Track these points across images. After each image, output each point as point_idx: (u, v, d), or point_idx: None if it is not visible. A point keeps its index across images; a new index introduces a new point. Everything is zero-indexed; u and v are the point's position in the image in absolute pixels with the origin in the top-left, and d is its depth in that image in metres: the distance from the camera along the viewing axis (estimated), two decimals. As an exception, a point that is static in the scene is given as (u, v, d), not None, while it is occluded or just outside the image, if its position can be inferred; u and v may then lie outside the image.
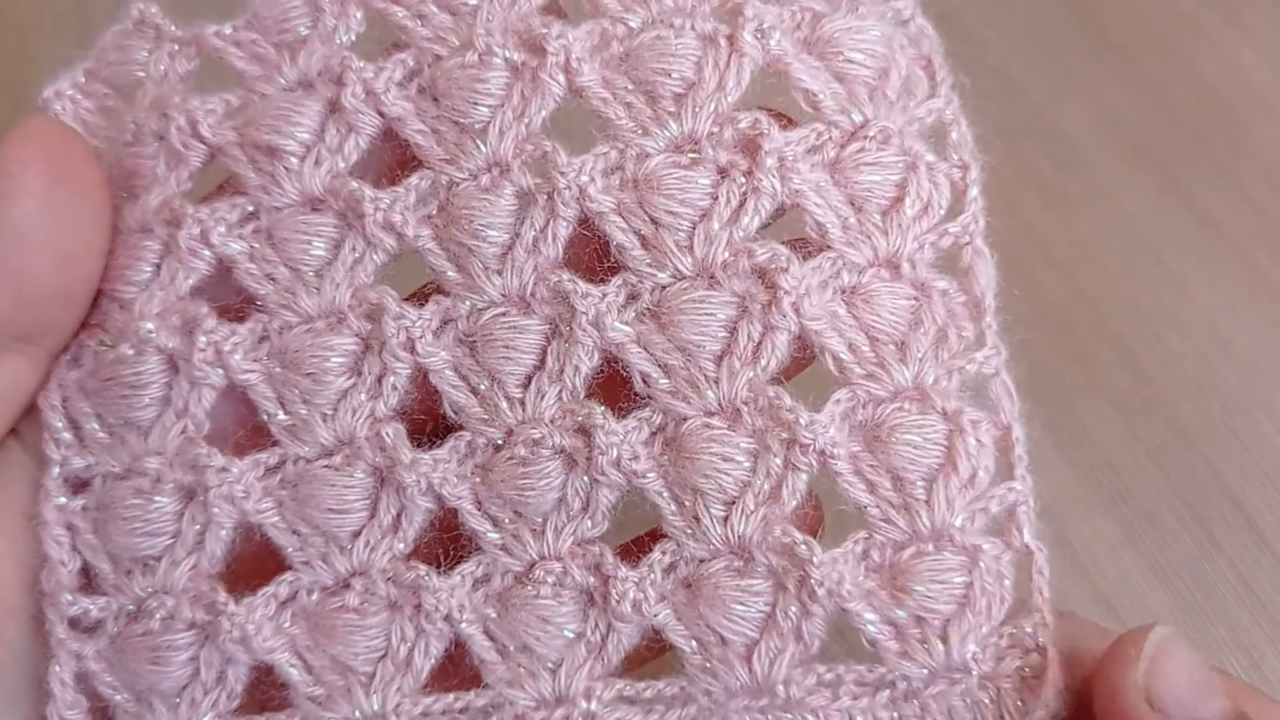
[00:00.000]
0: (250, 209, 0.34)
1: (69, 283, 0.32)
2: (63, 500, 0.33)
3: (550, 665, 0.32)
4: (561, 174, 0.32)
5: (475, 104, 0.33)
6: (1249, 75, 0.60)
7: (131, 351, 0.33)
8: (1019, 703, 0.31)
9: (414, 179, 0.33)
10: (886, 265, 0.33)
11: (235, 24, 0.35)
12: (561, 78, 0.33)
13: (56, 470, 0.33)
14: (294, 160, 0.33)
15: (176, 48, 0.35)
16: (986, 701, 0.31)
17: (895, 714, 0.31)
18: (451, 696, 0.32)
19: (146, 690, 0.32)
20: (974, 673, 0.31)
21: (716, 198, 0.32)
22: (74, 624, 0.32)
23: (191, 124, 0.33)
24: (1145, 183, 0.57)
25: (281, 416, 0.33)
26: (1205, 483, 0.50)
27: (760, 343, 0.32)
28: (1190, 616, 0.48)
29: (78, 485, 0.33)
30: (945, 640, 0.31)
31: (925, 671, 0.31)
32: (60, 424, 0.33)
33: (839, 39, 0.34)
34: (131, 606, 0.32)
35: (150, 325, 0.32)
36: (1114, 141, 0.58)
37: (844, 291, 0.33)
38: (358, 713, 0.31)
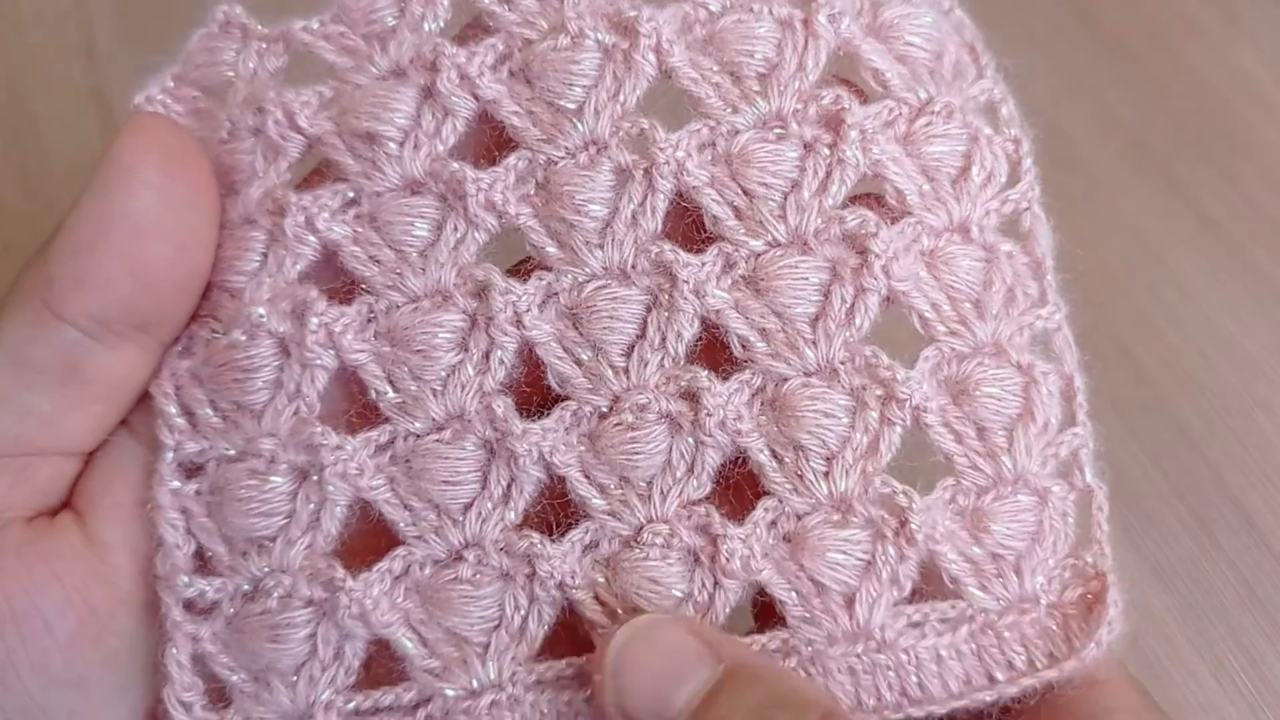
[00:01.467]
0: (351, 195, 0.34)
1: (184, 273, 0.33)
2: (177, 484, 0.33)
3: None
4: (660, 150, 0.33)
5: (570, 85, 0.34)
6: (1249, 76, 0.60)
7: (244, 337, 0.33)
8: (1083, 625, 0.33)
9: (511, 159, 0.34)
10: (959, 230, 0.35)
11: (321, 19, 0.35)
12: (653, 58, 0.34)
13: (170, 455, 0.33)
14: (393, 145, 0.34)
15: (264, 45, 0.35)
16: (1054, 627, 0.34)
17: (974, 645, 0.33)
18: (564, 662, 0.33)
19: (264, 669, 0.32)
20: (1042, 602, 0.34)
21: (805, 169, 0.34)
22: (189, 606, 0.33)
23: (289, 116, 0.34)
24: (1145, 183, 0.57)
25: (391, 394, 0.33)
26: (1205, 483, 0.50)
27: (853, 305, 0.33)
28: (1190, 616, 0.48)
29: (191, 470, 0.34)
30: (1019, 573, 0.34)
31: (1000, 604, 0.33)
32: (174, 409, 0.33)
33: (898, 24, 0.36)
34: (248, 587, 0.33)
35: (261, 310, 0.33)
36: (1114, 141, 0.58)
37: (924, 254, 0.35)
38: (474, 682, 0.32)
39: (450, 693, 0.32)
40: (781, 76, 0.34)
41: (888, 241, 0.33)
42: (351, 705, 0.32)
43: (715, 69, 0.34)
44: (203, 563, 0.33)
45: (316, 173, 0.35)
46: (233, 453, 0.33)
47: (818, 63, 0.34)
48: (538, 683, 0.32)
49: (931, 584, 0.34)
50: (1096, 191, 0.57)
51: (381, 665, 0.33)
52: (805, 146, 0.34)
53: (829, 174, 0.34)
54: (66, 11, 0.67)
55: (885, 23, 0.36)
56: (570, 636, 0.33)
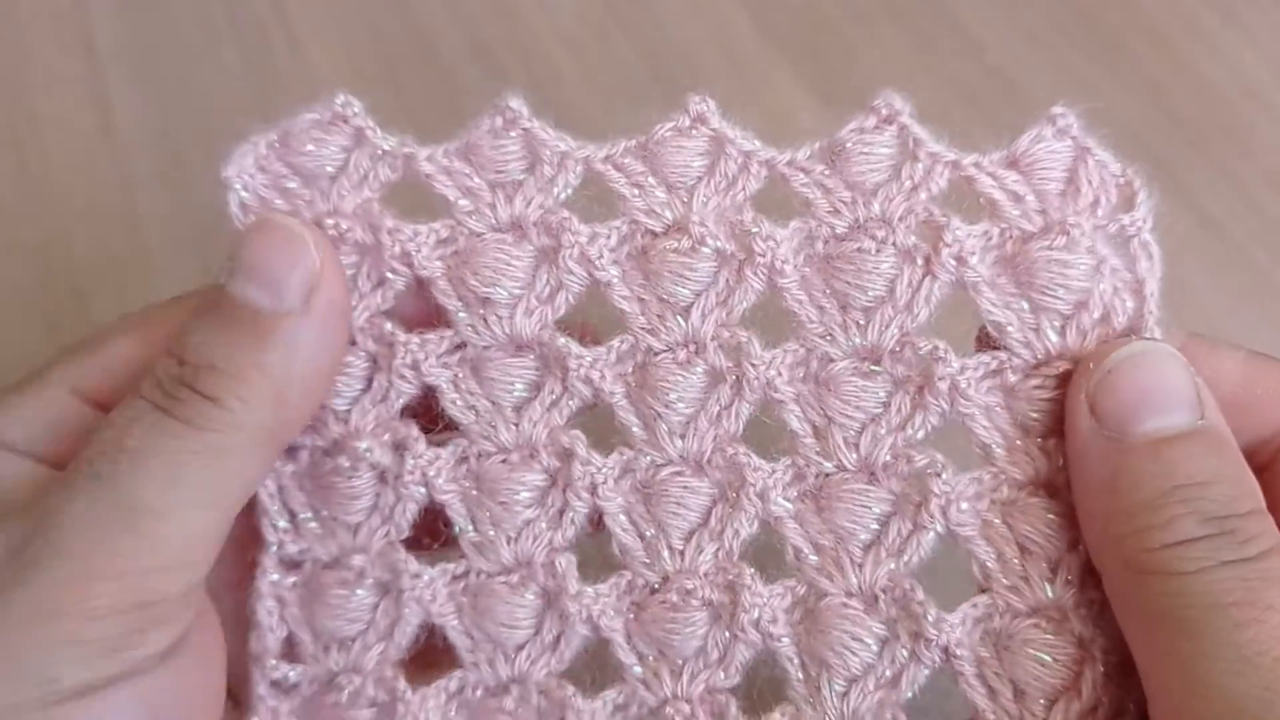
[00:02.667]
0: (457, 341, 0.36)
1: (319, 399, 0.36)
2: (275, 577, 0.36)
3: None
4: (753, 365, 0.35)
5: (682, 286, 0.35)
6: (1249, 75, 0.60)
7: (348, 464, 0.36)
8: None
9: (616, 340, 0.36)
10: (1046, 486, 0.34)
11: (447, 149, 0.36)
12: (765, 275, 0.35)
13: (274, 549, 0.36)
14: (504, 310, 0.36)
15: (381, 154, 0.36)
16: None
17: None
18: None
19: None
20: None
21: (889, 406, 0.35)
22: (275, 685, 0.36)
23: (405, 253, 0.36)
24: (1145, 182, 0.57)
25: (472, 534, 0.36)
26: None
27: (908, 539, 0.34)
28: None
29: (290, 565, 0.36)
30: None
31: None
32: (276, 510, 0.36)
33: (1040, 270, 0.34)
34: (324, 677, 0.36)
35: (367, 444, 0.35)
36: (1114, 141, 0.58)
37: (1003, 504, 0.34)
38: None
39: None
40: (887, 314, 0.35)
41: (950, 484, 0.34)
42: None
43: (825, 292, 0.35)
44: (290, 648, 0.36)
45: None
46: (326, 559, 0.36)
47: (929, 302, 0.34)
48: None
49: None
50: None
51: None
52: (895, 384, 0.35)
53: (910, 416, 0.35)
54: (66, 11, 0.68)
55: (1026, 262, 0.34)
56: None
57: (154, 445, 0.31)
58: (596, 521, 0.36)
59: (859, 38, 0.64)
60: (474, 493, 0.36)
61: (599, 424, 0.37)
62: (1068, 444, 0.33)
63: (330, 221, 0.36)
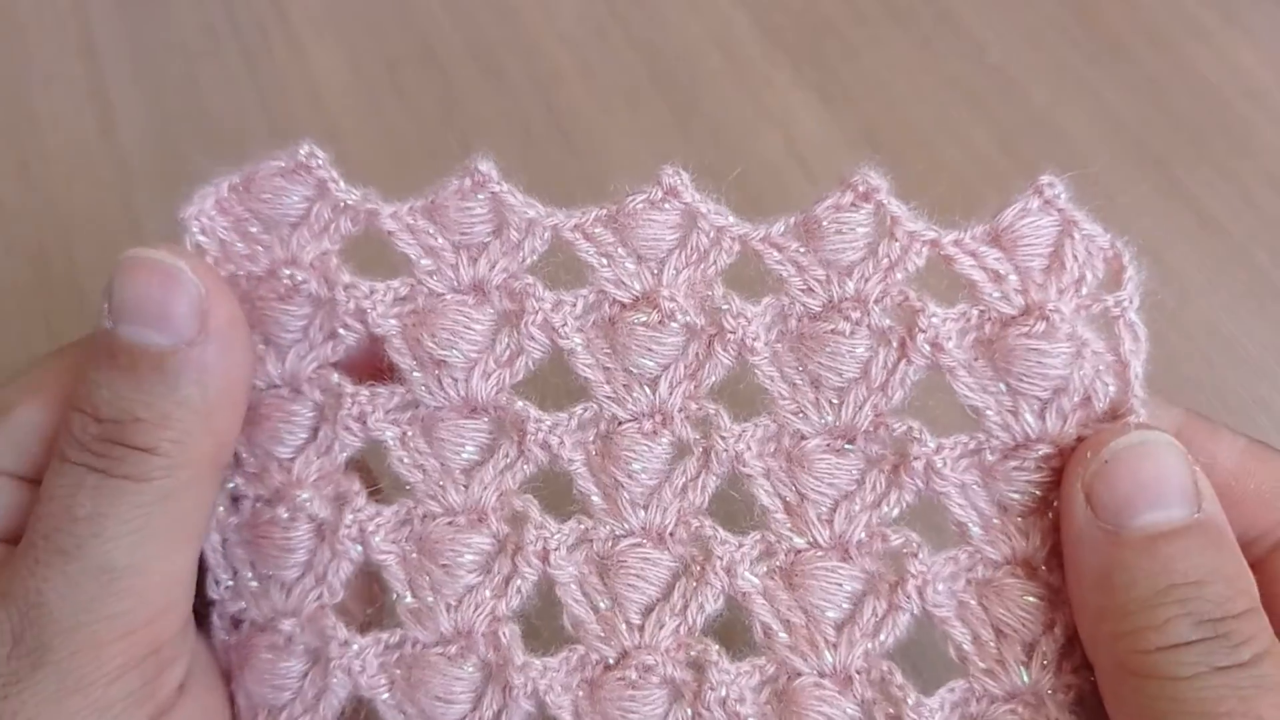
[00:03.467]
0: (409, 398, 0.35)
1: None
2: (224, 636, 0.36)
3: None
4: (722, 437, 0.34)
5: (650, 359, 0.35)
6: (1249, 75, 0.60)
7: (286, 515, 0.35)
8: None
9: (578, 408, 0.35)
10: (1023, 565, 0.34)
11: (412, 208, 0.35)
12: (735, 351, 0.35)
13: (218, 610, 0.36)
14: (460, 373, 0.35)
15: (343, 206, 0.35)
16: None
17: None
18: None
19: None
20: None
21: (863, 484, 0.34)
22: None
23: (359, 310, 0.35)
24: (1145, 183, 0.57)
25: (409, 600, 0.35)
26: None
27: (883, 619, 0.33)
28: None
29: (234, 622, 0.36)
30: None
31: None
32: (220, 566, 0.35)
33: (1017, 358, 0.33)
34: None
35: (306, 495, 0.35)
36: (1114, 142, 0.58)
37: (978, 584, 0.34)
38: None
39: None
40: (860, 394, 0.34)
41: (927, 564, 0.33)
42: None
43: (798, 369, 0.35)
44: (237, 703, 0.35)
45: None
46: (260, 621, 0.35)
47: (904, 385, 0.34)
48: None
49: None
50: (1095, 191, 0.57)
51: None
52: (869, 462, 0.35)
53: (885, 494, 0.34)
54: (65, 11, 0.68)
55: (1005, 348, 0.33)
56: None
57: (106, 508, 0.31)
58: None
59: (859, 38, 0.64)
60: (414, 556, 0.35)
61: (551, 492, 0.36)
62: (1063, 531, 0.32)
63: (286, 272, 0.35)
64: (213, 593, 0.35)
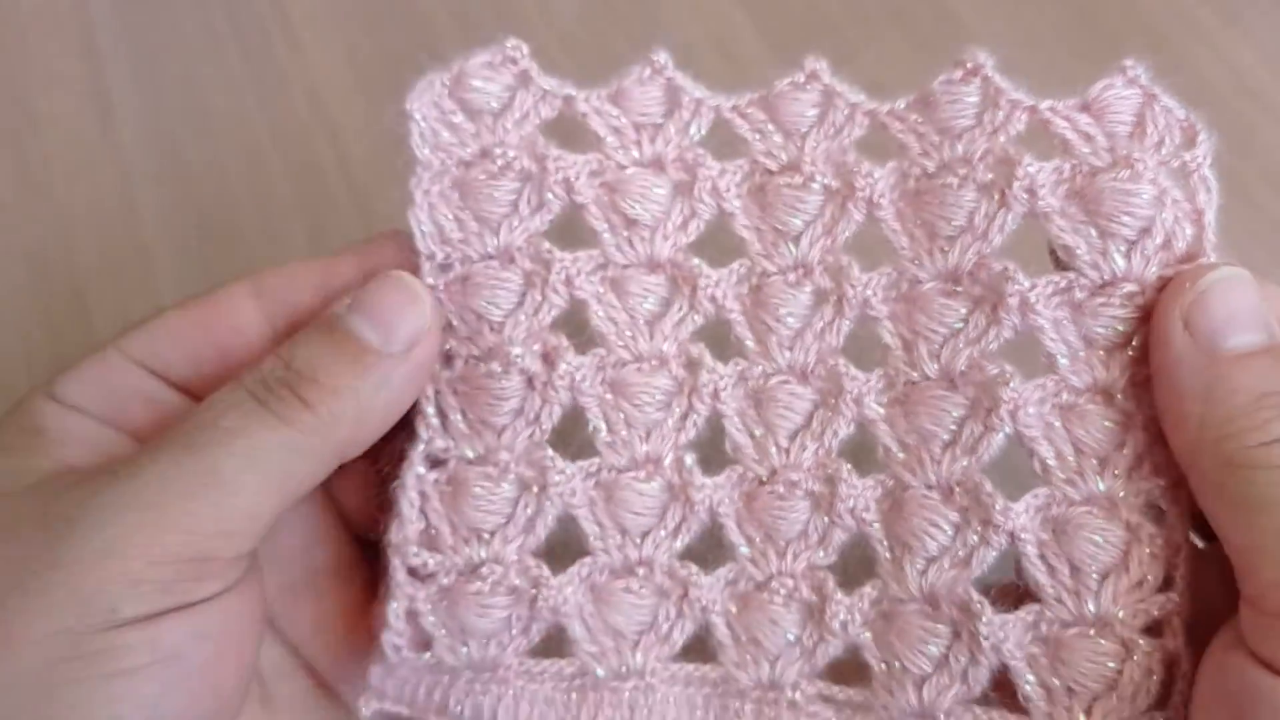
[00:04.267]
0: (602, 260, 0.41)
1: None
2: (421, 471, 0.40)
3: (771, 658, 0.39)
4: (852, 286, 0.40)
5: (793, 217, 0.40)
6: (1249, 76, 0.60)
7: (499, 368, 0.40)
8: None
9: (736, 264, 0.41)
10: (1102, 393, 0.38)
11: (600, 94, 0.41)
12: (864, 208, 0.40)
13: (422, 446, 0.40)
14: (647, 232, 0.41)
15: (542, 93, 0.41)
16: None
17: None
18: (693, 666, 0.39)
19: (463, 631, 0.39)
20: None
21: (968, 323, 0.39)
22: (413, 572, 0.39)
23: (566, 180, 0.40)
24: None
25: (605, 434, 0.40)
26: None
27: (980, 439, 0.38)
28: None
29: (435, 462, 0.40)
30: (1089, 714, 0.36)
31: None
32: (432, 410, 0.40)
33: (1107, 199, 0.37)
34: (463, 566, 0.39)
35: (518, 350, 0.40)
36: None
37: (1063, 409, 0.38)
38: (624, 668, 0.39)
39: (601, 672, 0.39)
40: (966, 240, 0.39)
41: (1018, 391, 0.38)
42: (524, 667, 0.39)
43: (916, 222, 0.40)
44: (427, 539, 0.40)
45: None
46: (472, 456, 0.40)
47: (1003, 230, 0.38)
48: (671, 677, 0.39)
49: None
50: None
51: (555, 642, 0.40)
52: (974, 302, 0.39)
53: (986, 330, 0.39)
54: (66, 11, 0.68)
55: (1094, 192, 0.38)
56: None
57: (244, 428, 0.35)
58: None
59: (859, 38, 0.64)
60: (609, 397, 0.40)
61: (710, 341, 0.41)
62: (1158, 355, 0.36)
63: (498, 150, 0.40)
64: (422, 432, 0.40)
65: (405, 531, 0.39)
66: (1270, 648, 0.32)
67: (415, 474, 0.40)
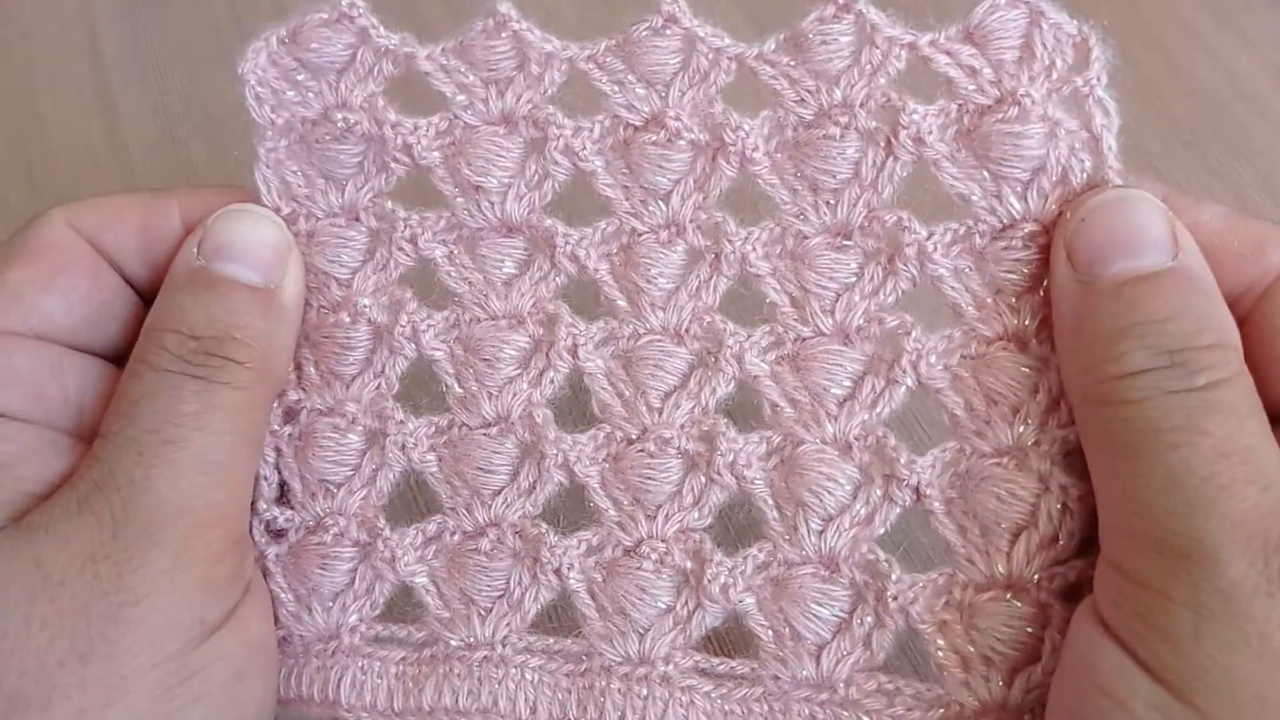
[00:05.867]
0: (454, 220, 0.39)
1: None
2: (276, 427, 0.39)
3: (640, 629, 0.36)
4: (729, 241, 0.38)
5: (661, 175, 0.38)
6: (1244, 79, 0.60)
7: (348, 319, 0.39)
8: None
9: (602, 223, 0.39)
10: (1015, 339, 0.36)
11: (444, 48, 0.39)
12: (737, 162, 0.38)
13: (276, 401, 0.39)
14: (496, 196, 0.39)
15: (384, 50, 0.39)
16: None
17: None
18: (551, 639, 0.37)
19: (309, 592, 0.38)
20: (1023, 715, 0.34)
21: (861, 276, 0.37)
22: (268, 528, 0.39)
23: (406, 145, 0.39)
24: (1141, 186, 0.57)
25: (456, 389, 0.39)
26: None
27: (881, 394, 0.36)
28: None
29: (289, 414, 0.40)
30: (1008, 683, 0.34)
31: (979, 704, 0.34)
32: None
33: (995, 142, 0.36)
34: (311, 522, 0.39)
35: (366, 301, 0.39)
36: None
37: (972, 359, 0.36)
38: (473, 637, 0.37)
39: (452, 641, 0.37)
40: (853, 192, 0.37)
41: (921, 342, 0.36)
42: (372, 632, 0.38)
43: (796, 175, 0.38)
44: (282, 496, 0.39)
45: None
46: (323, 407, 0.39)
47: (892, 180, 0.37)
48: (525, 649, 0.37)
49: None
50: None
51: (402, 609, 0.39)
52: (866, 256, 0.37)
53: (883, 283, 0.37)
54: (71, 14, 0.68)
55: (983, 135, 0.36)
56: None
57: (211, 407, 0.35)
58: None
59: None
60: (461, 353, 0.39)
61: (580, 302, 0.39)
62: (1051, 293, 0.34)
63: (339, 115, 0.39)
64: None
65: (262, 490, 0.39)
66: (1117, 611, 0.30)
67: (269, 430, 0.39)
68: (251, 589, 0.36)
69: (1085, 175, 0.35)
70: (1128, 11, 0.63)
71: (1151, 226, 0.33)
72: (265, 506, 0.39)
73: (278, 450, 0.39)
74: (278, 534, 0.39)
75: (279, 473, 0.39)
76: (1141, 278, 0.32)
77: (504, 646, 0.37)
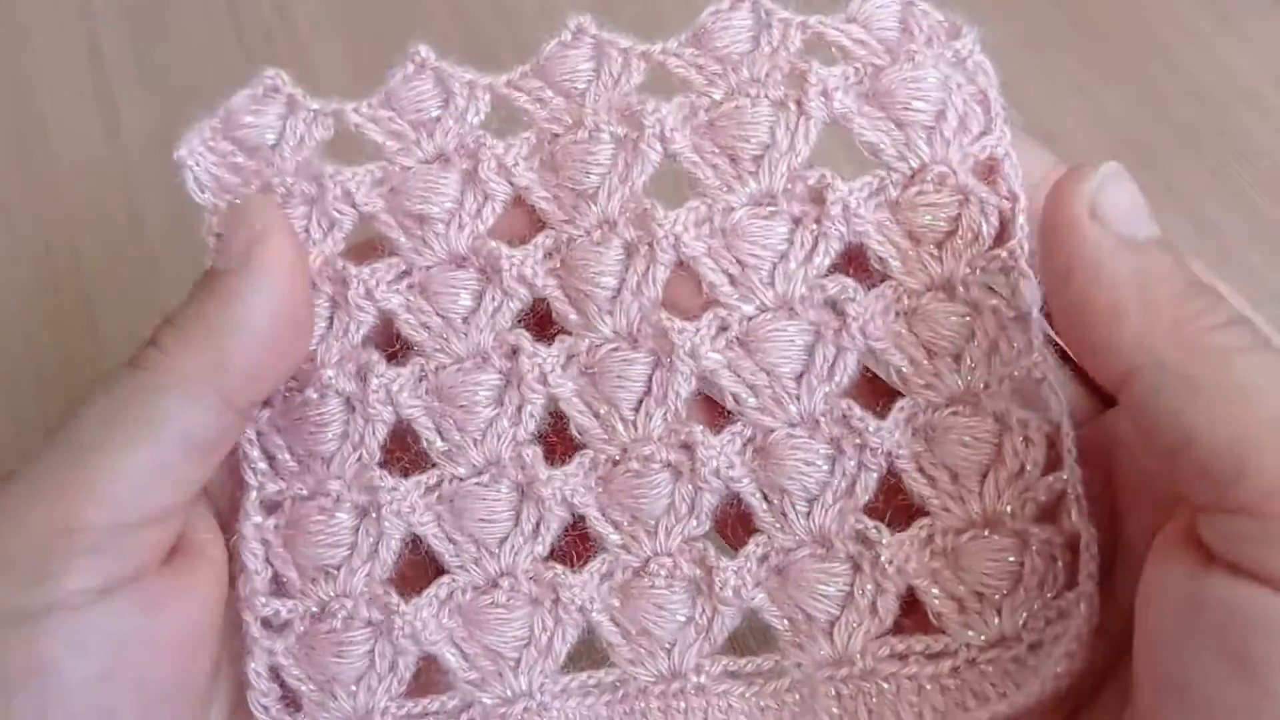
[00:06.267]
0: (404, 267, 0.39)
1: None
2: (259, 520, 0.38)
3: (666, 646, 0.37)
4: (659, 225, 0.37)
5: (588, 172, 0.38)
6: (1244, 79, 0.60)
7: (315, 395, 0.38)
8: (1061, 667, 0.34)
9: (540, 237, 0.39)
10: (943, 288, 0.37)
11: (370, 102, 0.40)
12: (658, 145, 0.38)
13: (254, 494, 0.38)
14: (440, 226, 0.39)
15: (313, 116, 0.40)
16: (1033, 664, 0.34)
17: (958, 680, 0.35)
18: (586, 674, 0.37)
19: (329, 680, 0.37)
20: (1024, 640, 0.35)
21: (793, 242, 0.37)
22: (266, 624, 0.37)
23: (346, 193, 0.39)
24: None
25: (440, 444, 0.38)
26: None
27: (834, 363, 0.37)
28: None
29: (271, 507, 0.38)
30: (1001, 612, 0.35)
31: (983, 639, 0.35)
32: (257, 454, 0.38)
33: (897, 90, 0.37)
34: (316, 609, 0.37)
35: (331, 373, 0.38)
36: (1109, 145, 0.58)
37: (905, 314, 0.37)
38: (508, 691, 0.37)
39: (488, 700, 0.37)
40: (773, 157, 0.37)
41: (864, 305, 0.37)
42: (404, 710, 0.37)
43: (715, 151, 0.38)
44: (279, 587, 0.38)
45: (369, 246, 0.40)
46: (305, 492, 0.38)
47: (808, 140, 0.37)
48: (563, 691, 0.37)
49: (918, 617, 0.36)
50: None
51: (430, 676, 0.37)
52: (794, 221, 0.37)
53: (814, 246, 0.37)
54: (71, 15, 0.68)
55: (884, 89, 0.37)
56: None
57: (104, 388, 0.34)
58: (556, 410, 0.38)
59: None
60: (436, 404, 0.38)
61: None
62: (1066, 248, 0.33)
63: (276, 180, 0.39)
64: (250, 479, 0.38)
65: (253, 584, 0.37)
66: (1259, 552, 0.29)
67: (253, 524, 0.38)
68: (89, 611, 0.32)
69: (980, 126, 0.37)
70: (1128, 11, 0.63)
71: (1141, 199, 0.34)
72: (263, 601, 0.37)
73: (265, 543, 0.38)
74: (281, 627, 0.37)
75: (270, 565, 0.38)
76: (1163, 240, 0.33)
77: (541, 694, 0.37)
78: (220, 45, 0.66)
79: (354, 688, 0.37)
